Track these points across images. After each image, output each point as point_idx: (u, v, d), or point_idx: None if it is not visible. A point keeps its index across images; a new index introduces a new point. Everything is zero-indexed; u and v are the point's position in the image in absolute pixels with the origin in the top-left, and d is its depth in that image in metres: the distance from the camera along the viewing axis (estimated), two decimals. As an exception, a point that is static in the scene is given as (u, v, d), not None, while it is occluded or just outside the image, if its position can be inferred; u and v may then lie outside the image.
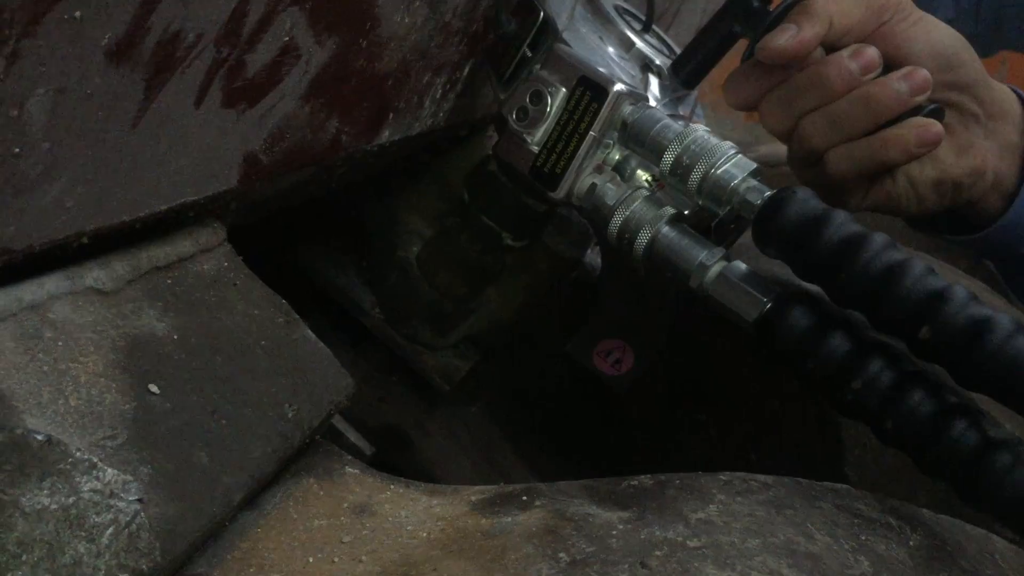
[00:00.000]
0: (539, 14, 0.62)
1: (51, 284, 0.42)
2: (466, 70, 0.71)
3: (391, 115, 0.64)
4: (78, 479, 0.37)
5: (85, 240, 0.42)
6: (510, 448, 0.87)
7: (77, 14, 0.34)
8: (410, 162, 0.85)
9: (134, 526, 0.37)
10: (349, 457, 0.51)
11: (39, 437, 0.37)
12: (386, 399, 0.87)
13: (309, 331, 0.52)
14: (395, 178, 0.85)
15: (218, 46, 0.43)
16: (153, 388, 0.42)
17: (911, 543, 0.48)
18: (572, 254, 0.88)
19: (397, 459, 0.83)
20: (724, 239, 0.61)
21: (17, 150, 0.35)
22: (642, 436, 0.90)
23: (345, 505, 0.47)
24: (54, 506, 0.36)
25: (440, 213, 0.86)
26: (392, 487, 0.49)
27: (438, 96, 0.69)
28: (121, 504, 0.37)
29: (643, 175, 0.62)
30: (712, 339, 0.85)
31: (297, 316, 0.52)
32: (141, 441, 0.40)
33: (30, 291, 0.41)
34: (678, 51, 0.76)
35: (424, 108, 0.68)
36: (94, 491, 0.37)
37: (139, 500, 0.38)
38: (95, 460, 0.37)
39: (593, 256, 0.91)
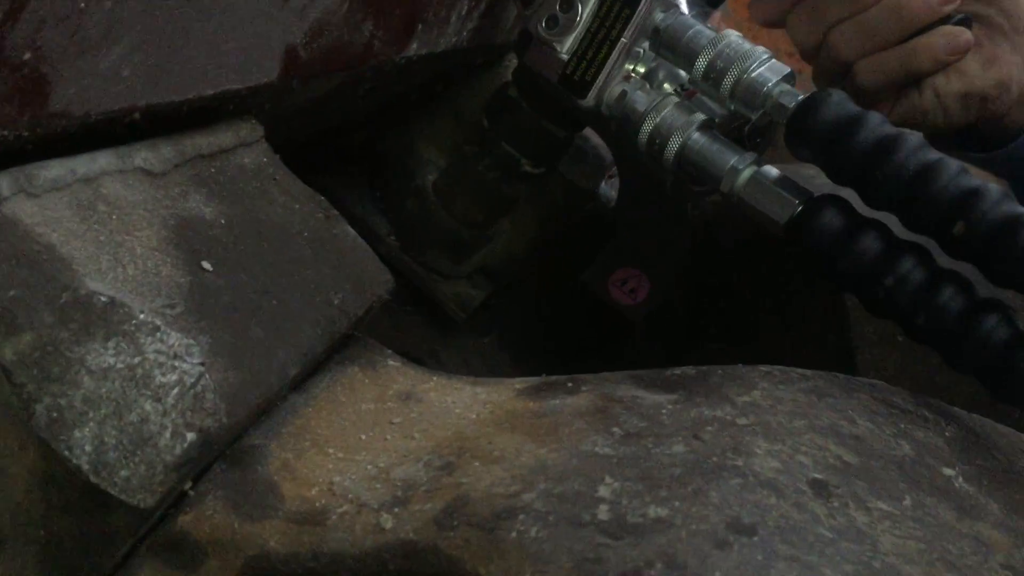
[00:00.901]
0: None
1: (103, 160, 0.42)
2: (492, -12, 0.71)
3: (420, 26, 0.64)
4: (142, 340, 0.37)
5: (136, 116, 0.42)
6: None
7: None
8: (426, 93, 0.85)
9: (199, 387, 0.37)
10: (390, 351, 0.51)
11: (103, 298, 0.37)
12: (400, 328, 0.87)
13: (348, 227, 0.52)
14: (411, 110, 0.85)
15: (271, -77, 0.43)
16: (206, 265, 0.42)
17: (947, 433, 0.48)
18: (587, 184, 0.89)
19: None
20: (755, 147, 0.62)
21: (83, 4, 0.35)
22: (654, 366, 0.90)
23: (391, 392, 0.47)
24: (120, 365, 0.36)
25: (456, 142, 0.86)
26: (435, 378, 0.49)
27: (463, 13, 0.69)
28: (186, 366, 0.37)
29: (670, 86, 0.62)
30: (729, 270, 0.86)
31: (336, 212, 0.52)
32: (199, 312, 0.40)
33: (84, 164, 0.41)
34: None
35: (450, 24, 0.68)
36: (159, 352, 0.37)
37: (202, 364, 0.38)
38: (158, 323, 0.38)
39: (608, 188, 0.91)
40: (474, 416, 0.45)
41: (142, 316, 0.37)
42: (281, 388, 0.42)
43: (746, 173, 0.56)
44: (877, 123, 0.53)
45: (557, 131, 0.77)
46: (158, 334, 0.37)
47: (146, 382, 0.36)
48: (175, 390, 0.37)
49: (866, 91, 0.63)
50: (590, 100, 0.61)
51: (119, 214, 0.41)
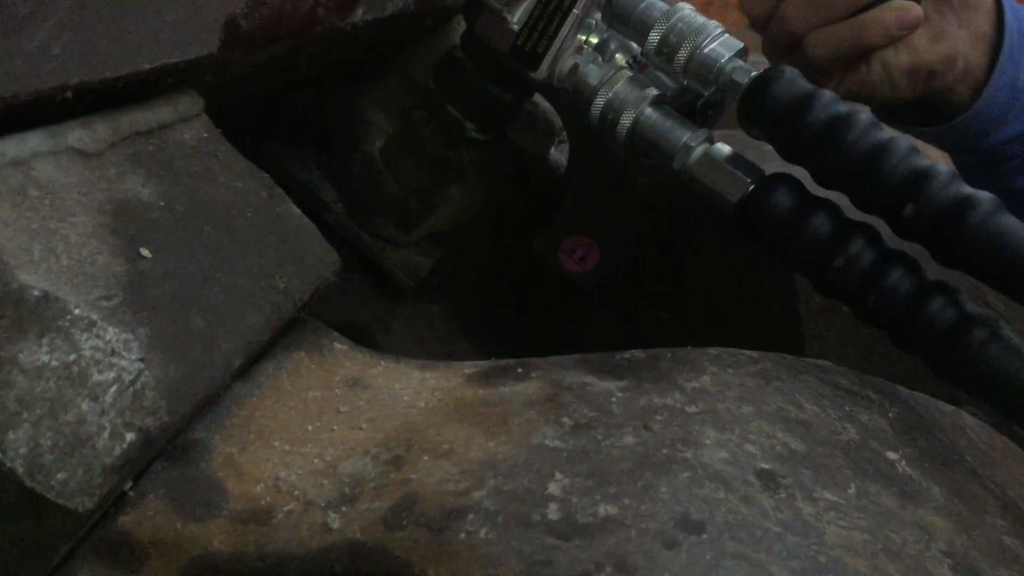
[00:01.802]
0: None
1: (34, 141, 0.40)
2: (439, -50, 0.69)
3: (366, -9, 0.62)
4: (78, 336, 0.36)
5: (69, 95, 0.40)
6: (473, 348, 0.87)
7: None
8: (373, 55, 0.83)
9: (139, 384, 0.36)
10: (336, 333, 0.50)
11: (36, 292, 0.35)
12: (348, 297, 0.86)
13: (293, 205, 0.51)
14: (358, 71, 0.83)
15: None
16: (144, 252, 0.41)
17: (890, 415, 0.49)
18: (536, 150, 0.88)
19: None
20: (707, 121, 0.61)
21: (8, -16, 0.33)
22: (604, 334, 0.90)
23: (338, 378, 0.46)
24: (55, 363, 0.35)
25: (403, 107, 0.84)
26: (383, 362, 0.48)
27: (410, -23, 0.67)
28: (124, 363, 0.36)
29: (623, 57, 0.61)
30: (679, 239, 0.86)
31: (280, 190, 0.51)
32: (137, 303, 0.39)
33: (13, 146, 0.39)
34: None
35: (396, -13, 0.66)
36: (95, 349, 0.36)
37: (141, 359, 0.37)
38: (95, 318, 0.36)
39: (558, 153, 0.90)
40: (423, 404, 0.44)
41: (77, 311, 0.36)
42: (225, 380, 0.41)
43: (698, 151, 0.56)
44: (828, 101, 0.52)
45: (504, 96, 0.75)
46: (94, 329, 0.36)
47: (83, 380, 0.35)
48: (113, 388, 0.36)
49: (816, 64, 0.63)
50: (542, 73, 0.60)
51: (52, 199, 0.40)
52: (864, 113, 0.52)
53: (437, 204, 0.84)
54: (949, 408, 0.54)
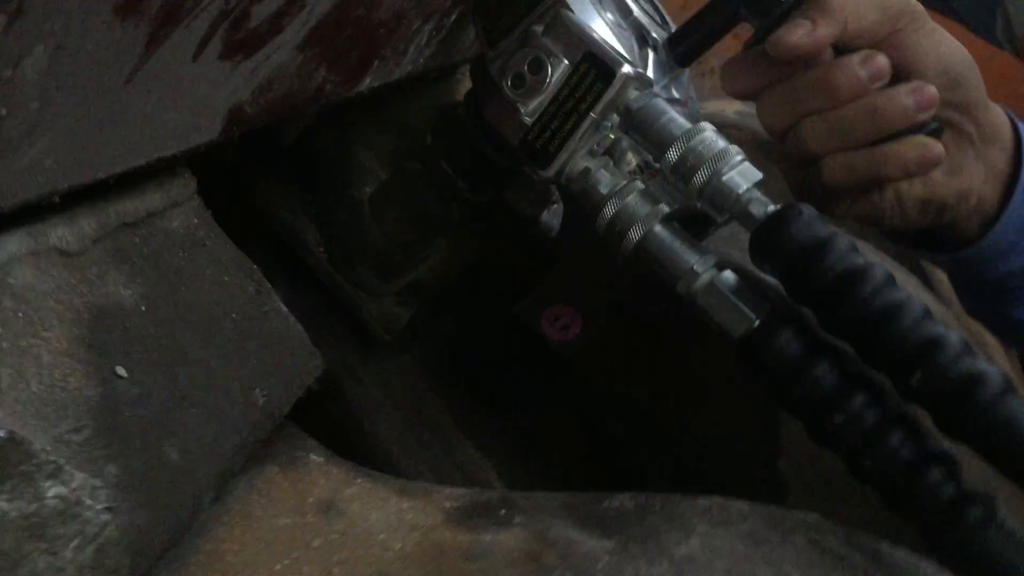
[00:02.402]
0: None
1: (13, 244, 0.37)
2: (453, 16, 0.66)
3: (376, 62, 0.59)
4: (42, 484, 0.33)
5: (56, 200, 0.37)
6: (444, 405, 0.85)
7: (92, -35, 0.29)
8: (370, 98, 0.80)
9: (102, 539, 0.34)
10: (312, 441, 0.48)
11: (1, 433, 0.33)
12: (320, 341, 0.83)
13: (280, 303, 0.48)
14: (352, 110, 0.80)
15: (228, -3, 0.38)
16: (120, 371, 0.38)
17: (875, 583, 0.48)
18: (529, 212, 0.85)
19: (328, 405, 0.80)
20: (705, 233, 0.59)
21: (3, 112, 0.31)
22: (580, 399, 0.89)
23: (311, 500, 0.44)
24: (14, 513, 0.32)
25: (398, 154, 0.82)
26: (359, 481, 0.46)
27: (423, 43, 0.65)
28: (88, 514, 0.34)
29: (634, 159, 0.59)
30: (665, 317, 0.84)
31: (268, 284, 0.49)
32: (108, 433, 0.36)
33: (-10, 252, 0.36)
34: (667, 18, 0.73)
35: (407, 55, 0.63)
36: (59, 498, 0.33)
37: (108, 508, 0.34)
38: (61, 462, 0.34)
39: (550, 216, 0.88)
40: (398, 547, 0.42)
41: (43, 455, 0.33)
42: (194, 519, 0.38)
43: (704, 278, 0.54)
44: (845, 251, 0.51)
45: (500, 160, 0.73)
46: (60, 475, 0.33)
47: (42, 534, 0.33)
48: (74, 543, 0.33)
49: (830, 187, 0.61)
50: (551, 172, 0.57)
51: (27, 310, 0.37)
52: (880, 268, 0.50)
53: (422, 258, 0.82)
54: (932, 568, 0.53)
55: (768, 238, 0.52)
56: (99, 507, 0.34)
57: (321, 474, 0.46)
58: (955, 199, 0.63)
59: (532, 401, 0.90)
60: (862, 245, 0.97)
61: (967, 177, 0.63)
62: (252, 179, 0.80)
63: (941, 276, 1.08)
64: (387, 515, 0.44)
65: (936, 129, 0.60)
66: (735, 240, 0.59)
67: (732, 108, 1.35)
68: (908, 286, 0.90)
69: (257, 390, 0.43)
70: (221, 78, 0.42)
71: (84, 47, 0.32)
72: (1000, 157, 0.65)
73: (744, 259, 0.56)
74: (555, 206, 0.88)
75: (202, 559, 0.39)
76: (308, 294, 0.83)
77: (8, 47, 0.29)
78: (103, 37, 0.32)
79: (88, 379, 0.37)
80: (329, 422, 0.80)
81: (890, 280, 0.50)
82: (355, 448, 0.78)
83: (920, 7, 0.61)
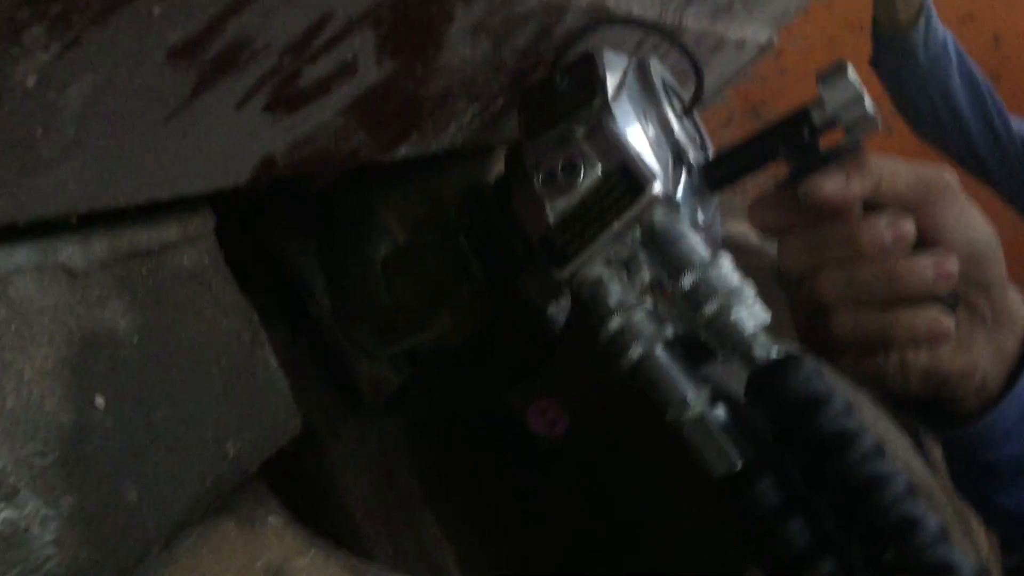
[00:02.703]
0: (596, 90, 0.58)
1: (21, 255, 0.37)
2: (500, 102, 0.67)
3: (415, 134, 0.60)
4: (-5, 504, 0.33)
5: (74, 220, 0.38)
6: (417, 478, 0.84)
7: (156, 11, 0.30)
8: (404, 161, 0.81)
9: (42, 572, 0.33)
10: (275, 502, 0.47)
11: (-36, 445, 0.32)
12: (305, 389, 0.83)
13: (271, 356, 0.48)
14: (383, 170, 0.80)
15: (282, 56, 0.38)
16: (99, 401, 0.38)
17: None
18: (538, 301, 0.85)
19: (303, 455, 0.79)
20: (701, 360, 0.59)
21: (40, 132, 0.31)
22: (556, 501, 0.88)
23: (259, 564, 0.43)
24: (-40, 531, 0.32)
25: (419, 222, 0.82)
26: (313, 552, 0.45)
27: (465, 122, 0.65)
28: (35, 544, 0.33)
29: (649, 275, 0.59)
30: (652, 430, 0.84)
31: (263, 336, 0.48)
32: (72, 464, 0.36)
33: (-3, 260, 0.36)
34: (708, 141, 0.74)
35: (447, 131, 0.64)
36: (8, 522, 0.33)
37: (55, 542, 0.34)
38: (19, 485, 0.33)
39: (557, 309, 0.88)
40: (338, 629, 0.41)
41: (2, 475, 0.33)
42: (137, 566, 0.38)
43: (695, 410, 0.53)
44: (839, 412, 0.50)
45: (517, 248, 0.74)
46: (15, 499, 0.33)
47: (-17, 556, 0.32)
48: (14, 571, 0.32)
49: (836, 340, 0.61)
50: (564, 275, 0.57)
51: (19, 323, 0.37)
52: (870, 437, 0.50)
53: (424, 327, 0.82)
54: None
55: (765, 384, 0.52)
56: (47, 539, 0.33)
57: (276, 538, 0.45)
58: (959, 375, 0.63)
59: (508, 491, 0.89)
60: (860, 398, 0.97)
61: (975, 356, 0.63)
62: (272, 218, 0.80)
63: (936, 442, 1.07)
64: (333, 592, 0.43)
65: (951, 303, 0.60)
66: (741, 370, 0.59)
67: (758, 232, 1.36)
68: (900, 449, 0.90)
69: (230, 442, 0.43)
70: (259, 129, 0.42)
71: (132, 83, 0.32)
72: (1011, 342, 0.64)
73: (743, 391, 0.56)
74: (563, 301, 0.88)
75: (139, 606, 0.38)
76: (304, 340, 0.83)
77: (58, 73, 0.29)
78: (152, 76, 0.33)
79: (65, 404, 0.37)
80: (300, 472, 0.79)
81: (879, 450, 0.50)
82: (320, 504, 0.77)
83: (955, 181, 0.62)
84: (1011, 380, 0.65)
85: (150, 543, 0.38)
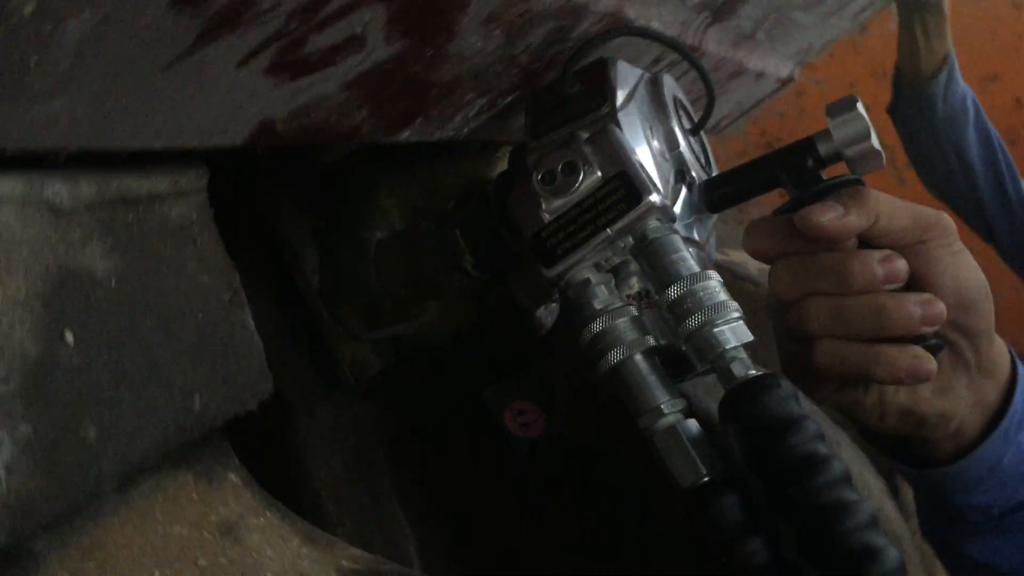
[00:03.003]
0: (605, 97, 0.59)
1: (6, 186, 0.38)
2: (508, 99, 0.67)
3: (420, 120, 0.60)
4: (-51, 423, 0.33)
5: (63, 157, 0.38)
6: (388, 465, 0.84)
7: (162, -50, 0.30)
8: (409, 146, 0.81)
9: (-11, 496, 0.33)
10: (236, 461, 0.47)
11: (-74, 362, 0.33)
12: (286, 364, 0.83)
13: (249, 317, 0.48)
14: (387, 154, 0.81)
15: (288, 20, 0.39)
16: (68, 337, 0.38)
17: None
18: (527, 303, 0.85)
19: (275, 434, 0.79)
20: (681, 373, 0.59)
21: (35, 59, 0.31)
22: (526, 503, 0.88)
23: (213, 518, 0.43)
24: (-89, 445, 0.32)
25: (418, 210, 0.82)
26: (269, 513, 0.45)
27: (471, 114, 0.65)
28: (-15, 467, 0.33)
29: (637, 284, 0.59)
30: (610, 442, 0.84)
31: (243, 297, 0.48)
32: (33, 394, 0.36)
33: (-18, 187, 0.36)
34: (713, 162, 0.74)
35: (453, 121, 0.64)
36: (-39, 442, 0.33)
37: (5, 466, 0.34)
38: (-24, 409, 0.33)
39: (546, 313, 0.88)
40: (282, 592, 0.41)
41: (-39, 396, 0.33)
42: (88, 503, 0.38)
43: (668, 419, 0.53)
44: (811, 436, 0.50)
45: (511, 245, 0.74)
46: (-29, 421, 0.33)
47: (-68, 473, 0.32)
48: (-39, 491, 0.32)
49: (818, 369, 0.61)
50: (552, 273, 0.57)
51: (-2, 251, 0.37)
52: (839, 464, 0.50)
53: (410, 316, 0.82)
54: None
55: (740, 401, 0.52)
56: (-2, 462, 0.33)
57: (233, 495, 0.45)
58: (936, 418, 0.63)
59: (478, 488, 0.89)
60: (839, 435, 0.97)
61: (954, 401, 0.63)
62: (275, 195, 0.80)
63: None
64: (282, 556, 0.43)
65: (935, 345, 0.60)
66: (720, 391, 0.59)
67: (757, 264, 1.36)
68: (870, 488, 0.90)
69: (197, 395, 0.43)
70: (259, 91, 0.43)
71: (132, 24, 0.32)
72: (992, 391, 0.64)
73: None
74: (553, 305, 0.88)
75: (85, 542, 0.38)
76: (289, 316, 0.83)
77: (57, 4, 0.29)
78: (154, 21, 0.33)
79: (34, 335, 0.37)
80: (270, 446, 0.79)
81: (846, 478, 0.50)
82: (288, 481, 0.77)
83: (952, 225, 0.62)
84: (988, 429, 0.65)
85: (103, 482, 0.38)
